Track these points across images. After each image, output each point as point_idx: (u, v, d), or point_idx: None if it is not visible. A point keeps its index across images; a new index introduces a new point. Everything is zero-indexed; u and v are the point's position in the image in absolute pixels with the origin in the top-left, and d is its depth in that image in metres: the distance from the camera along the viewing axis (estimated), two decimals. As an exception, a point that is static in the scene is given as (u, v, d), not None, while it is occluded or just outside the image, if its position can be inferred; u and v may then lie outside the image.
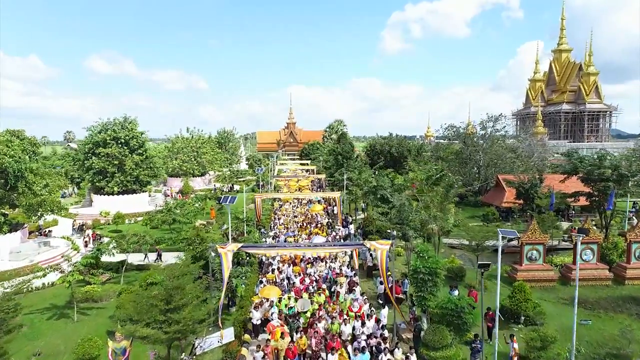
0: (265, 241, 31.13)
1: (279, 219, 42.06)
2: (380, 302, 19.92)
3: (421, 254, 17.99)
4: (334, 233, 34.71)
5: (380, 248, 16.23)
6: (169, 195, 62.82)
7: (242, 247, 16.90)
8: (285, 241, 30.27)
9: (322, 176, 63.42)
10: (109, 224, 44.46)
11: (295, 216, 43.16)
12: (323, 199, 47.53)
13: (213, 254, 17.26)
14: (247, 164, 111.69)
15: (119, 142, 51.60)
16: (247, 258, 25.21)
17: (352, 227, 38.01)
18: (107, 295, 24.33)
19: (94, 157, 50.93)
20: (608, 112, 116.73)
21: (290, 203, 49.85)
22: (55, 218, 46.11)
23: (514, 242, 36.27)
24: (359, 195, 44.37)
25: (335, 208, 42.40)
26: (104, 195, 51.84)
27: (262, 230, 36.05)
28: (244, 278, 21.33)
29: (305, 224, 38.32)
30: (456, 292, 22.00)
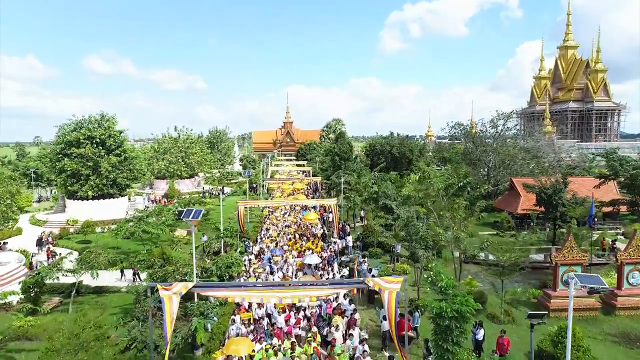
0: (250, 260, 26.42)
1: (267, 229, 37.15)
2: (387, 354, 15.17)
3: (445, 291, 13.27)
4: (329, 247, 30.06)
5: (387, 288, 11.53)
6: (152, 200, 58.01)
7: (193, 287, 12.18)
8: (270, 260, 25.45)
9: (318, 179, 58.76)
10: (78, 233, 39.65)
11: (287, 225, 38.29)
12: (320, 206, 42.77)
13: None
14: (240, 164, 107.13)
15: (94, 141, 46.78)
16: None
17: (349, 238, 33.29)
18: (47, 329, 19.60)
19: (65, 159, 46.13)
20: (616, 111, 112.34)
21: (282, 209, 45.02)
22: (19, 227, 41.46)
23: (538, 257, 31.80)
24: (357, 202, 39.54)
25: (331, 215, 37.74)
26: (78, 200, 47.05)
27: (247, 243, 31.33)
28: (211, 315, 16.48)
29: (297, 236, 33.55)
30: (482, 332, 17.34)
